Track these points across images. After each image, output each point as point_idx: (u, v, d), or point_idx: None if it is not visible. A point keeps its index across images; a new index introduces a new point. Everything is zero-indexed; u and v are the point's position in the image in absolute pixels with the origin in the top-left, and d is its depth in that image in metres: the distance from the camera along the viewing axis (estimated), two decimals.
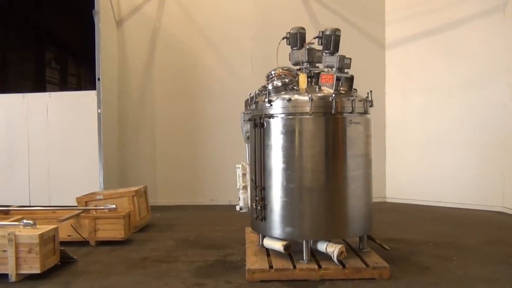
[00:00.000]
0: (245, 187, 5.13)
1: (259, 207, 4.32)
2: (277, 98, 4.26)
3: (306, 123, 4.15)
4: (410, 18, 7.73)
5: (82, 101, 7.68)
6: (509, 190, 6.84)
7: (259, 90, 4.61)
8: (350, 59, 4.32)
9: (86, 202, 5.83)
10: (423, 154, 7.68)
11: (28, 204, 7.54)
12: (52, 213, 5.44)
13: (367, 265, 4.05)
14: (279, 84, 4.35)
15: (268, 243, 4.38)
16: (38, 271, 4.02)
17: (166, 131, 8.10)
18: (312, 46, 4.58)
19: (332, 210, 4.16)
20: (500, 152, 6.91)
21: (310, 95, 4.11)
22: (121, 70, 7.98)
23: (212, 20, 8.05)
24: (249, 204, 5.04)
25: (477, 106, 7.13)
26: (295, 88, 4.33)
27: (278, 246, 4.24)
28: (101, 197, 5.85)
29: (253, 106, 4.48)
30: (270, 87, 4.35)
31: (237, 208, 5.14)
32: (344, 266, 4.02)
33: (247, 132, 5.05)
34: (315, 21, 7.73)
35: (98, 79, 7.01)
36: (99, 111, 7.05)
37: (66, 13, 15.36)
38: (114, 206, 5.34)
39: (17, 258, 4.00)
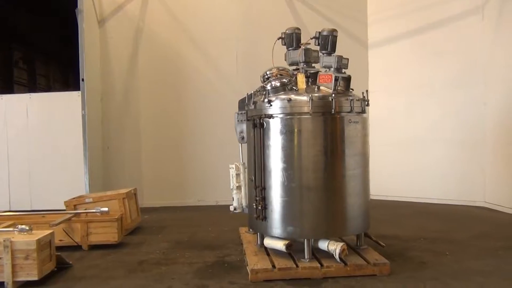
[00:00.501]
0: (238, 187, 5.12)
1: (259, 207, 4.32)
2: (276, 98, 4.27)
3: (306, 123, 4.18)
4: (393, 18, 7.90)
5: (64, 103, 7.49)
6: (490, 186, 7.08)
7: (256, 90, 4.62)
8: (348, 59, 4.40)
9: (75, 205, 5.69)
10: (407, 151, 7.85)
11: (8, 209, 7.31)
12: (42, 218, 5.29)
13: (367, 262, 4.12)
14: (278, 84, 4.36)
15: (269, 242, 4.40)
16: (35, 278, 3.92)
17: (151, 131, 8.01)
18: (308, 46, 4.61)
19: (333, 208, 4.22)
20: (481, 149, 7.15)
21: (310, 95, 4.14)
22: (103, 71, 7.83)
23: (196, 19, 8.01)
24: (243, 204, 5.06)
25: (459, 105, 7.35)
26: (294, 88, 4.35)
27: (279, 245, 4.26)
28: (91, 200, 5.72)
29: (252, 106, 4.48)
30: (269, 87, 4.36)
31: (231, 208, 5.12)
32: (345, 264, 4.07)
33: (241, 132, 5.06)
34: (300, 22, 7.77)
35: (82, 80, 6.88)
36: (83, 112, 6.91)
37: (36, 11, 14.93)
38: (106, 209, 5.24)
39: (13, 265, 3.89)
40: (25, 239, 3.95)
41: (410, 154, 7.83)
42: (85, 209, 5.48)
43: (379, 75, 8.09)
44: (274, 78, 4.50)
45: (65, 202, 5.74)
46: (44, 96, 7.64)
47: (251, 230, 5.16)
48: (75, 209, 5.62)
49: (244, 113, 4.98)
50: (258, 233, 4.67)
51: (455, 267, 4.29)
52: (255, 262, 4.14)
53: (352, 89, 4.48)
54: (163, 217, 6.95)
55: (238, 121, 5.07)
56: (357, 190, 4.32)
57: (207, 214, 7.21)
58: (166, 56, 7.99)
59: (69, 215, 5.18)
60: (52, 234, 4.22)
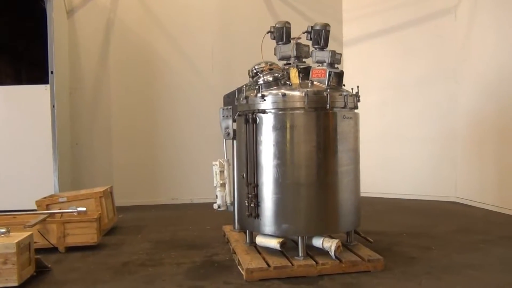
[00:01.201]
0: (222, 185, 4.99)
1: (252, 205, 4.20)
2: (269, 93, 4.17)
3: (300, 118, 4.11)
4: (367, 16, 7.98)
5: (31, 96, 7.00)
6: (461, 182, 7.29)
7: (246, 84, 4.50)
8: (341, 54, 4.36)
9: (47, 205, 5.36)
10: (380, 148, 7.93)
11: None
12: (13, 219, 4.95)
13: (362, 258, 4.10)
14: (271, 78, 4.26)
15: (261, 241, 4.30)
16: (15, 284, 3.64)
17: (122, 127, 7.68)
18: (299, 40, 4.54)
19: (327, 205, 4.16)
20: (453, 146, 7.35)
21: (305, 90, 4.07)
22: (72, 63, 7.44)
23: (170, 12, 7.76)
24: (228, 202, 4.94)
25: (432, 102, 7.51)
26: (288, 83, 4.26)
27: (273, 243, 4.18)
28: (65, 199, 5.41)
29: (243, 101, 4.35)
30: (261, 81, 4.25)
31: (215, 206, 4.99)
32: (340, 261, 4.04)
33: (227, 128, 4.94)
34: (276, 17, 7.70)
35: (51, 72, 6.51)
36: (53, 106, 6.54)
37: None
38: (84, 208, 4.97)
39: None
40: (3, 242, 3.66)
41: (383, 150, 7.92)
42: (60, 209, 5.17)
43: (354, 72, 8.03)
44: (266, 72, 4.40)
45: (36, 201, 5.39)
46: (7, 89, 7.12)
47: (237, 228, 5.06)
48: (47, 209, 5.29)
49: (230, 108, 4.86)
50: (248, 231, 4.56)
51: (444, 261, 4.34)
52: (248, 261, 4.03)
53: (344, 85, 4.45)
54: (138, 216, 6.69)
55: (223, 116, 4.94)
56: (350, 186, 4.28)
57: (183, 212, 7.02)
58: (139, 49, 7.70)
59: (43, 216, 4.86)
60: (31, 236, 3.95)
